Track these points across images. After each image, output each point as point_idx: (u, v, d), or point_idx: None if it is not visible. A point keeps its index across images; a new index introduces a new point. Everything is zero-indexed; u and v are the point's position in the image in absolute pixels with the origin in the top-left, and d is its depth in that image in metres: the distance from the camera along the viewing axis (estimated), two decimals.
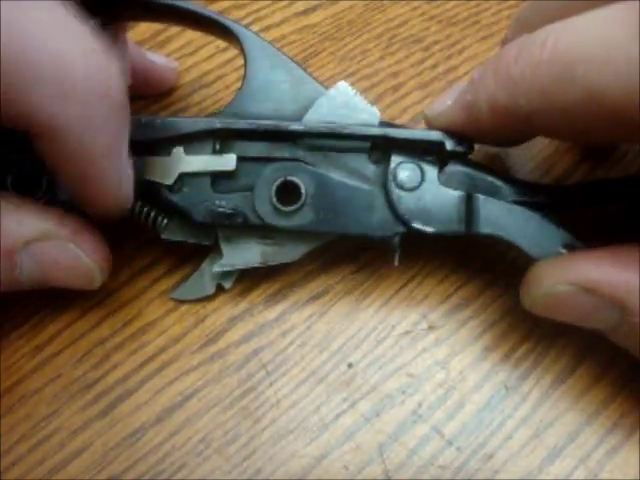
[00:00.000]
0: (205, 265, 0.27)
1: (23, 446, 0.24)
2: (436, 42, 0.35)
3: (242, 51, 0.26)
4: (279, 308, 0.27)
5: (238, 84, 0.33)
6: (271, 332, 0.26)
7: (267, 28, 0.36)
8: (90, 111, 0.20)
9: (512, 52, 0.21)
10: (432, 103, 0.25)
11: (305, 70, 0.26)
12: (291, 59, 0.26)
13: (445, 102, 0.24)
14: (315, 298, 0.27)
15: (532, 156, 0.30)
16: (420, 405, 0.25)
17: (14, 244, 0.22)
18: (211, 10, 0.26)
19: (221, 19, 0.26)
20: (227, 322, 0.26)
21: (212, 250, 0.27)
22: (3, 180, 0.24)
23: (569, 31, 0.19)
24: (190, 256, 0.28)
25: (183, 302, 0.27)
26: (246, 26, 0.26)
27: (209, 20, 0.26)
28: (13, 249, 0.22)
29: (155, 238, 0.27)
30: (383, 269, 0.28)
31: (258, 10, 0.36)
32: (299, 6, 0.36)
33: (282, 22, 0.36)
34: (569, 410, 0.24)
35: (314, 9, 0.36)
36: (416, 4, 0.36)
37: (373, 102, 0.32)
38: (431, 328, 0.26)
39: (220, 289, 0.27)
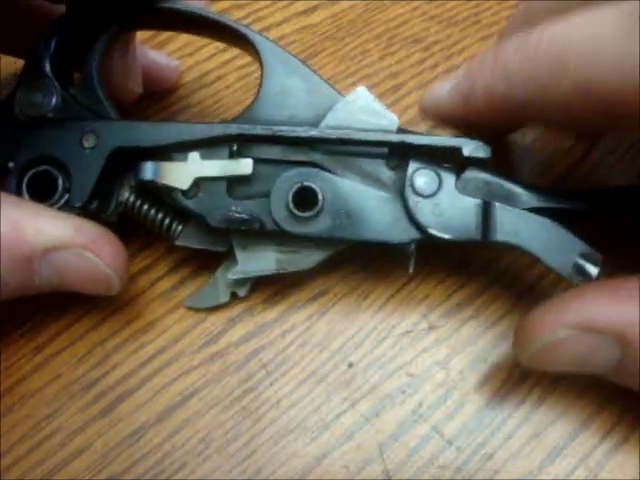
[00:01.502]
0: (219, 273, 0.26)
1: (23, 446, 0.24)
2: (436, 42, 0.35)
3: (258, 58, 0.26)
4: (279, 308, 0.27)
5: (238, 84, 0.33)
6: (271, 332, 0.26)
7: (267, 28, 0.36)
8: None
9: (510, 46, 0.22)
10: (429, 90, 0.25)
11: (321, 77, 0.26)
12: (307, 66, 0.26)
13: (442, 89, 0.24)
14: (315, 298, 0.27)
15: (532, 156, 0.30)
16: (420, 405, 0.25)
17: (33, 252, 0.22)
18: (228, 18, 0.27)
19: (237, 26, 0.26)
20: (227, 322, 0.26)
21: (226, 258, 0.26)
22: (19, 183, 0.24)
23: (564, 29, 0.20)
24: (190, 257, 0.28)
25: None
26: (260, 32, 0.26)
27: (224, 27, 0.27)
28: (32, 257, 0.22)
29: (155, 239, 0.27)
30: (383, 269, 0.28)
31: (258, 10, 0.36)
32: (299, 6, 0.36)
33: (282, 22, 0.36)
34: (569, 410, 0.24)
35: (314, 9, 0.36)
36: (416, 4, 0.36)
37: None
38: (431, 328, 0.26)
39: (234, 297, 0.27)
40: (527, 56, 0.21)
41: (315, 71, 0.26)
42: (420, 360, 0.26)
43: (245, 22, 0.36)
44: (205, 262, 0.28)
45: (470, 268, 0.27)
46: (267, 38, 0.26)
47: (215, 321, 0.26)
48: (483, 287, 0.27)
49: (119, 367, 0.25)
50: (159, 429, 0.24)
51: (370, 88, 0.33)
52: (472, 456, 0.24)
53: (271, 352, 0.26)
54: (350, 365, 0.25)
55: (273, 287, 0.27)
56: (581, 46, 0.19)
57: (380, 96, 0.32)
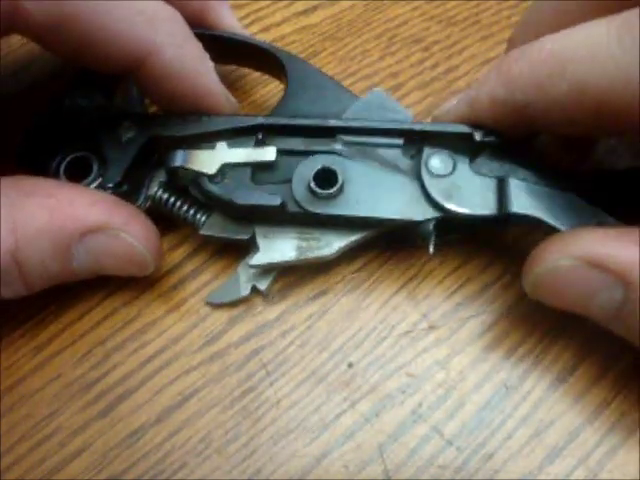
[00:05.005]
0: (240, 269, 0.27)
1: (23, 446, 0.24)
2: (436, 42, 0.35)
3: (283, 73, 0.28)
4: (279, 308, 0.27)
5: (239, 83, 0.33)
6: (271, 332, 0.26)
7: (267, 28, 0.36)
8: (173, 30, 0.25)
9: (514, 55, 0.24)
10: (441, 106, 0.27)
11: (346, 88, 0.28)
12: (330, 78, 0.28)
13: (452, 102, 0.26)
14: (315, 298, 0.27)
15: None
16: (420, 405, 0.25)
17: (70, 238, 0.23)
18: (259, 39, 0.29)
19: (267, 47, 0.29)
20: (227, 322, 0.26)
21: (247, 253, 0.27)
22: (57, 165, 0.26)
23: (563, 38, 0.22)
24: (190, 256, 0.28)
25: (184, 302, 0.27)
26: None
27: (247, 46, 0.29)
28: (69, 243, 0.23)
29: None
30: (383, 269, 0.28)
31: (258, 10, 0.36)
32: (299, 6, 0.37)
33: (282, 22, 0.36)
34: (569, 410, 0.24)
35: (314, 9, 0.36)
36: (416, 4, 0.36)
37: None
38: (431, 328, 0.26)
39: (255, 291, 0.26)
40: (528, 62, 0.23)
41: (339, 83, 0.28)
42: (420, 360, 0.26)
43: (245, 22, 0.36)
44: (205, 262, 0.28)
45: (470, 268, 0.27)
46: (291, 54, 0.29)
47: (215, 321, 0.26)
48: (483, 287, 0.27)
49: (119, 367, 0.25)
50: (159, 429, 0.24)
51: (370, 88, 0.33)
52: (472, 456, 0.24)
53: (271, 352, 0.26)
54: (350, 365, 0.25)
55: (273, 287, 0.27)
56: (578, 50, 0.21)
57: None
